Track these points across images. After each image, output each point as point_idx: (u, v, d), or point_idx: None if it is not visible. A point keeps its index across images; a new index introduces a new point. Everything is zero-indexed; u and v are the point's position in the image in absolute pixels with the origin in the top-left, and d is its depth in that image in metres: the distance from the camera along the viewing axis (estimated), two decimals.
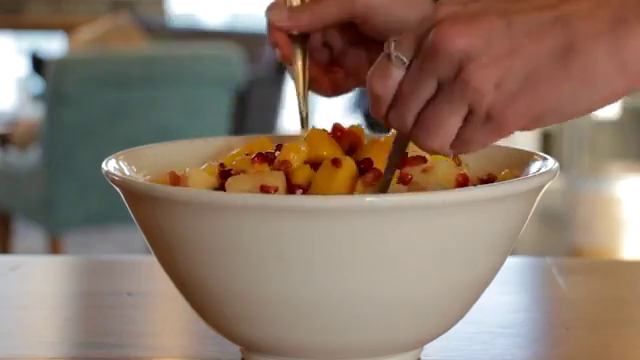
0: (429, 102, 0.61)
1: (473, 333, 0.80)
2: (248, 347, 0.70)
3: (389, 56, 0.62)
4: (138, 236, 0.76)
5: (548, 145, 4.79)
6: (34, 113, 4.00)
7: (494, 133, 0.61)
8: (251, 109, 3.82)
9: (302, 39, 0.82)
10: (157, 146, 0.79)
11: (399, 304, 0.65)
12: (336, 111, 5.26)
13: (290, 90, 4.39)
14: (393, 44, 0.62)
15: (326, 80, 0.84)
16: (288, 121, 4.64)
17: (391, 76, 0.62)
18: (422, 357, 0.73)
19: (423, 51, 0.60)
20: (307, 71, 0.82)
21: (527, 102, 0.60)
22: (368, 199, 0.62)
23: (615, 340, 0.82)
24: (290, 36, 0.81)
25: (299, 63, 0.82)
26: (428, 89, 0.61)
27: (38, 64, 4.02)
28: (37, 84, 4.68)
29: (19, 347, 0.80)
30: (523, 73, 0.59)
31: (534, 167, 0.73)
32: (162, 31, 4.49)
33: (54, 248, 3.23)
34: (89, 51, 3.50)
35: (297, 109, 0.81)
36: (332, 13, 0.80)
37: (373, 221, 0.62)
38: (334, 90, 0.84)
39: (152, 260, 0.72)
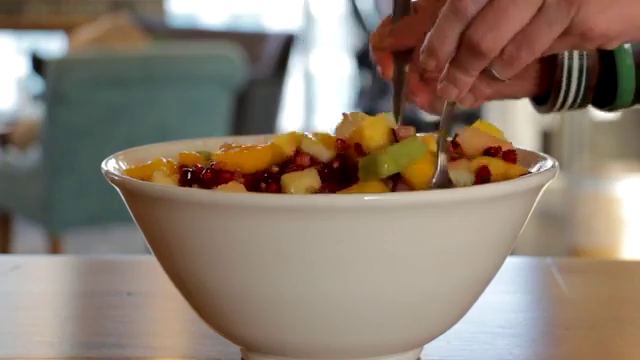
0: (530, 20, 0.65)
1: (473, 333, 0.80)
2: (248, 347, 0.70)
3: None
4: (138, 236, 0.76)
5: (548, 145, 4.79)
6: (34, 113, 4.00)
7: (575, 46, 0.67)
8: (251, 109, 3.82)
9: (403, 54, 0.83)
10: (157, 146, 0.79)
11: (399, 304, 0.65)
12: (335, 111, 5.25)
13: (290, 90, 4.39)
14: None
15: (424, 94, 0.86)
16: (288, 121, 4.64)
17: (479, 1, 0.65)
18: (422, 357, 0.73)
19: None
20: (404, 86, 0.83)
21: (619, 16, 0.66)
22: (368, 199, 0.62)
23: (615, 340, 0.82)
24: (393, 52, 0.83)
25: (396, 80, 0.83)
26: (532, 6, 0.65)
27: (38, 64, 4.02)
28: (37, 84, 4.68)
29: (19, 347, 0.80)
30: None
31: (534, 167, 0.73)
32: (162, 31, 4.49)
33: (54, 248, 3.23)
34: (89, 51, 3.50)
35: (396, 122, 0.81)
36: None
37: (373, 221, 0.62)
38: (429, 106, 0.86)
39: (152, 260, 0.72)
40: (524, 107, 4.25)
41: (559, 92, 0.87)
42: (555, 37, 0.66)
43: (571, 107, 0.89)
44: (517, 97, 0.91)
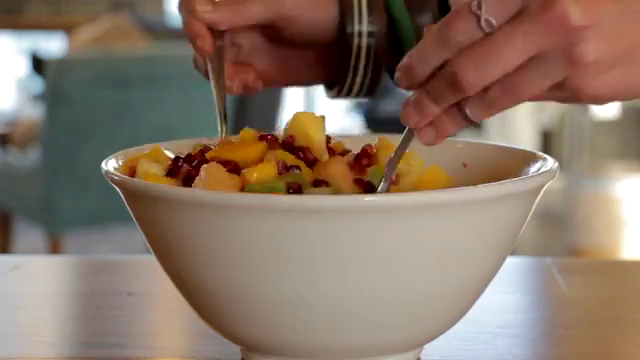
0: (521, 66, 0.61)
1: (473, 333, 0.80)
2: (248, 347, 0.70)
3: (478, 18, 0.61)
4: (138, 236, 0.76)
5: (548, 145, 4.80)
6: (34, 113, 4.01)
7: (563, 100, 0.65)
8: (251, 109, 3.82)
9: (218, 35, 0.81)
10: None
11: (399, 304, 0.66)
12: (336, 111, 5.26)
13: (290, 90, 4.39)
14: (485, 6, 0.61)
15: (237, 78, 0.84)
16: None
17: (471, 34, 0.61)
18: (422, 357, 0.73)
19: (535, 19, 0.61)
20: (224, 67, 0.81)
21: (615, 82, 0.63)
22: (368, 199, 0.62)
23: (615, 340, 0.82)
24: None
25: (216, 59, 0.81)
26: (527, 53, 0.61)
27: (38, 64, 4.02)
28: (37, 84, 4.68)
29: (19, 347, 0.80)
30: (621, 56, 0.62)
31: (534, 167, 0.73)
32: (162, 31, 4.49)
33: (54, 248, 3.23)
34: (89, 51, 3.50)
35: (216, 106, 0.81)
36: (258, 12, 0.81)
37: (373, 221, 0.62)
38: (244, 89, 0.85)
39: (152, 260, 0.72)
40: (524, 107, 4.25)
41: (346, 78, 0.84)
42: (544, 90, 0.63)
43: (359, 93, 0.86)
44: (308, 85, 0.88)
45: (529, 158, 0.74)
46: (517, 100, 0.63)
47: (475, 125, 0.66)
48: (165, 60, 3.27)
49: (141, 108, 3.15)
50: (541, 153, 0.74)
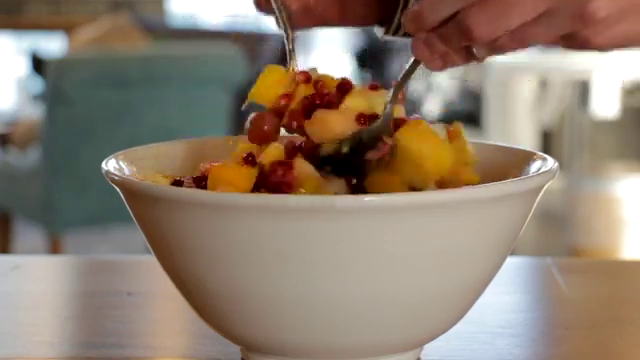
0: (533, 20, 0.64)
1: (473, 333, 0.80)
2: (248, 347, 0.70)
3: None
4: (138, 236, 0.76)
5: (548, 145, 4.79)
6: (34, 113, 4.00)
7: (568, 48, 0.67)
8: (251, 109, 3.82)
9: None
10: (157, 146, 0.79)
11: (399, 304, 0.66)
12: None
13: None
14: None
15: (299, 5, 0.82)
16: None
17: None
18: (422, 357, 0.73)
19: None
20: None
21: (621, 34, 0.65)
22: (368, 199, 0.62)
23: (615, 340, 0.82)
24: None
25: None
26: (539, 10, 0.64)
27: (38, 64, 4.02)
28: (37, 84, 4.68)
29: (19, 347, 0.80)
30: (629, 10, 0.65)
31: (534, 167, 0.73)
32: (162, 31, 4.49)
33: (54, 248, 3.23)
34: (89, 51, 3.50)
35: (285, 42, 0.80)
36: None
37: (373, 221, 0.62)
38: (303, 9, 0.82)
39: (152, 260, 0.72)
40: (524, 107, 4.25)
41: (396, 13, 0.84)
42: (551, 39, 0.66)
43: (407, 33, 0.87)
44: (363, 23, 0.87)
45: (529, 158, 0.74)
46: (524, 47, 0.66)
47: (481, 61, 0.68)
48: (165, 60, 3.27)
49: (141, 108, 3.15)
50: (541, 153, 0.74)
